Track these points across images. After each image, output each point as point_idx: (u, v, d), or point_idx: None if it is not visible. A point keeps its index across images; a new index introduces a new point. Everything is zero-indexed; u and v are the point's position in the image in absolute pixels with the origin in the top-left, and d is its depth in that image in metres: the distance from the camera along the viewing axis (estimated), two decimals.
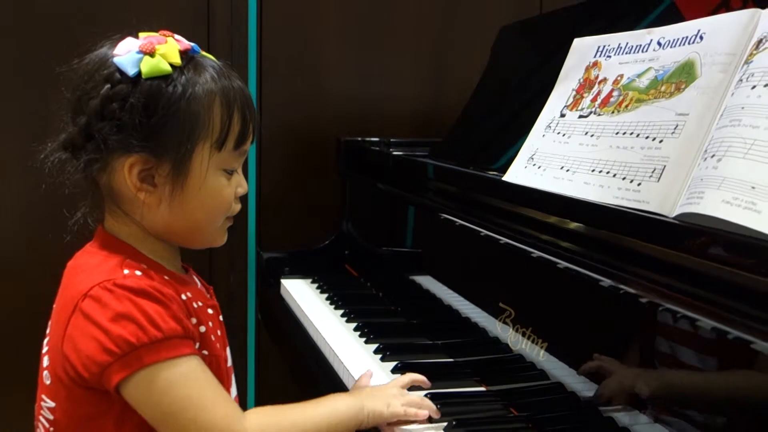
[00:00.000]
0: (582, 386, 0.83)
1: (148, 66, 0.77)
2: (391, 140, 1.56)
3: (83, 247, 0.86)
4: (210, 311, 0.86)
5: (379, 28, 1.77)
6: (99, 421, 0.79)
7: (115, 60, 0.78)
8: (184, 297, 0.81)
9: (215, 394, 0.78)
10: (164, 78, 0.78)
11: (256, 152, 1.72)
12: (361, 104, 1.78)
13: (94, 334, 0.75)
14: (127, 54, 0.78)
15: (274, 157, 1.74)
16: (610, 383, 0.80)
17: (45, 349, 0.84)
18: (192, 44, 0.83)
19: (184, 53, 0.80)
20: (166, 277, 0.82)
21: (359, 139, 1.59)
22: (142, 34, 0.81)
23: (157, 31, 0.82)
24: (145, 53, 0.78)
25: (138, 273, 0.79)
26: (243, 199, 1.68)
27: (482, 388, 1.00)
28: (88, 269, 0.80)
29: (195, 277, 0.92)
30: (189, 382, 0.76)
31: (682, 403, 0.72)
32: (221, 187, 0.83)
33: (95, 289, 0.76)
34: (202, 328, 0.82)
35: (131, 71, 0.77)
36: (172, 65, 0.79)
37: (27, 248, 1.58)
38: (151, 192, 0.80)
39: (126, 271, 0.78)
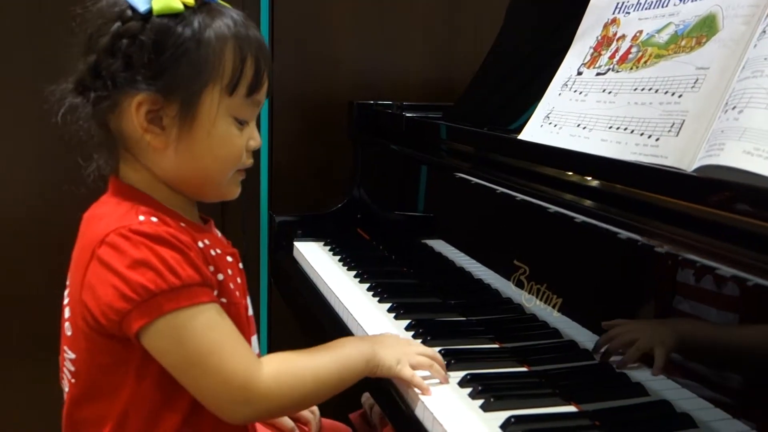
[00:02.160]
0: (598, 346, 0.83)
1: (159, 3, 0.77)
2: (404, 104, 1.55)
3: (98, 198, 0.86)
4: (229, 259, 0.86)
5: None
6: (119, 370, 0.79)
7: None
8: (201, 244, 0.80)
9: (234, 341, 0.78)
10: (175, 17, 0.77)
11: (268, 117, 1.71)
12: (372, 72, 1.77)
13: (112, 281, 0.75)
14: None
15: (285, 121, 1.74)
16: (624, 339, 0.80)
17: (66, 300, 0.85)
18: None
19: None
20: (182, 224, 0.81)
21: (372, 102, 1.58)
22: None
23: None
24: None
25: (154, 219, 0.78)
26: (255, 163, 1.68)
27: (495, 345, 1.00)
28: (104, 217, 0.80)
29: (214, 229, 0.91)
30: (209, 330, 0.76)
31: (698, 359, 0.72)
32: (231, 135, 0.82)
33: (111, 236, 0.76)
34: (221, 276, 0.82)
35: (142, 8, 0.77)
36: (185, 5, 0.78)
37: (43, 202, 1.58)
38: (158, 134, 0.80)
39: (141, 218, 0.77)
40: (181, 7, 0.78)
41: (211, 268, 0.80)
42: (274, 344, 1.78)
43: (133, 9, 0.77)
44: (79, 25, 0.80)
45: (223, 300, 0.81)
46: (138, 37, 0.76)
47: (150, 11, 0.77)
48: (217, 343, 0.77)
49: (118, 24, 0.77)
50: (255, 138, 0.86)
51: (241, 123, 0.83)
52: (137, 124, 0.79)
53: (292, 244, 1.53)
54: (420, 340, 1.01)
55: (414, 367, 0.87)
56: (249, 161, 0.86)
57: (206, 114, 0.80)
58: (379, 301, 1.17)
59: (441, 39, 1.80)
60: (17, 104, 1.53)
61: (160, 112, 0.79)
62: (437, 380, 0.88)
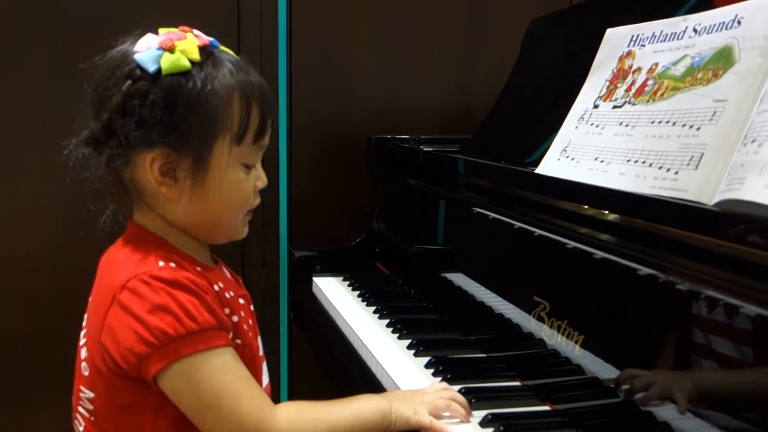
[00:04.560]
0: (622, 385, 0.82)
1: (168, 62, 0.78)
2: (422, 137, 1.56)
3: (115, 241, 0.87)
4: (241, 301, 0.87)
5: (408, 29, 1.77)
6: (137, 410, 0.80)
7: (136, 57, 0.79)
8: (216, 288, 0.82)
9: (249, 386, 0.79)
10: (184, 74, 0.79)
11: (287, 151, 1.73)
12: (389, 106, 1.78)
13: (132, 325, 0.76)
14: (147, 50, 0.79)
15: (304, 156, 1.75)
16: (649, 378, 0.78)
17: (82, 341, 0.86)
18: (211, 39, 0.84)
19: (203, 48, 0.81)
20: (198, 269, 0.83)
21: (389, 136, 1.59)
22: (161, 30, 0.82)
23: (177, 26, 0.83)
24: (164, 49, 0.79)
25: (172, 265, 0.80)
26: (274, 198, 1.71)
27: (517, 383, 0.99)
28: (124, 262, 0.81)
29: (224, 269, 0.93)
30: (224, 373, 0.77)
31: (724, 397, 0.70)
32: (240, 181, 0.84)
33: (132, 281, 0.77)
34: (235, 318, 0.83)
35: (151, 68, 0.78)
36: (191, 61, 0.79)
37: (60, 246, 1.61)
38: (173, 186, 0.81)
39: (161, 263, 0.79)
40: (188, 65, 0.79)
41: (227, 311, 0.82)
42: (294, 380, 1.77)
43: (142, 68, 0.78)
44: (88, 81, 0.82)
45: (238, 341, 0.82)
46: (149, 97, 0.78)
47: (159, 70, 0.78)
48: (231, 386, 0.77)
49: (128, 83, 0.78)
50: (261, 178, 0.88)
51: (249, 167, 0.85)
52: (152, 179, 0.80)
53: (311, 280, 1.53)
54: (440, 378, 1.00)
55: (431, 412, 0.87)
56: (256, 201, 0.88)
57: (217, 164, 0.81)
58: (399, 338, 1.16)
59: (458, 70, 1.81)
60: (40, 146, 1.56)
61: (173, 165, 0.81)
62: (458, 420, 0.86)
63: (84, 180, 0.82)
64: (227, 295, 0.83)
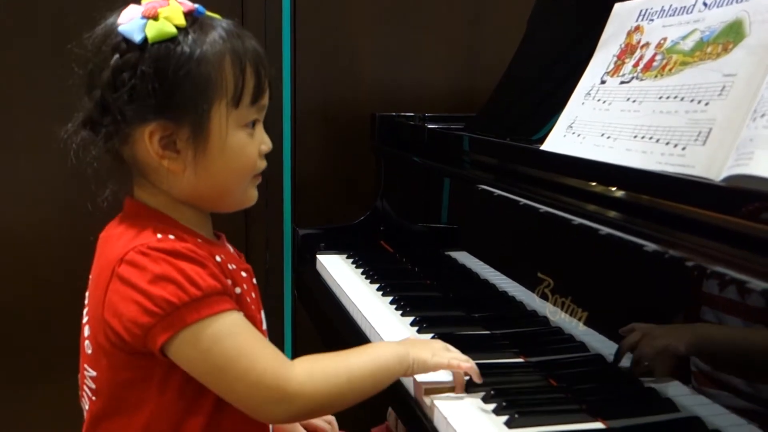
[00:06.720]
0: (624, 358, 0.81)
1: (153, 30, 0.76)
2: (426, 115, 1.55)
3: (114, 218, 0.86)
4: (244, 274, 0.86)
5: (413, 7, 1.75)
6: (141, 386, 0.79)
7: (120, 29, 0.78)
8: (218, 258, 0.81)
9: (261, 343, 0.79)
10: (171, 41, 0.77)
11: (292, 130, 1.72)
12: (394, 84, 1.77)
13: (135, 297, 0.75)
14: (131, 21, 0.77)
15: (309, 134, 1.74)
16: (653, 354, 0.78)
17: (85, 319, 0.85)
18: (196, 5, 0.82)
19: (188, 14, 0.79)
20: (199, 240, 0.82)
21: (394, 114, 1.58)
22: (144, 0, 0.80)
23: None
24: (148, 18, 0.77)
25: (171, 237, 0.79)
26: (278, 176, 1.70)
27: (520, 360, 0.99)
28: (121, 236, 0.80)
29: (227, 244, 0.92)
30: (234, 335, 0.76)
31: (729, 373, 0.70)
32: (243, 144, 0.83)
33: (130, 253, 0.76)
34: (237, 290, 0.82)
35: (137, 38, 0.76)
36: (177, 27, 0.77)
37: (60, 225, 1.61)
38: (175, 158, 0.80)
39: (159, 236, 0.78)
40: (174, 30, 0.77)
41: (229, 282, 0.81)
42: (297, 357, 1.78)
43: (128, 40, 0.77)
44: (77, 60, 0.80)
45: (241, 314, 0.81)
46: (138, 68, 0.76)
47: (145, 40, 0.77)
48: (243, 347, 0.77)
49: (116, 57, 0.77)
50: (266, 142, 0.86)
51: (251, 127, 0.84)
52: (153, 152, 0.79)
53: (315, 257, 1.53)
54: None
55: (449, 359, 0.87)
56: (263, 165, 0.87)
57: (217, 130, 0.80)
58: (402, 315, 1.16)
59: (463, 49, 1.79)
60: (42, 123, 1.55)
61: (172, 136, 0.79)
62: (463, 400, 0.86)
63: (85, 164, 0.80)
64: (229, 267, 0.83)
